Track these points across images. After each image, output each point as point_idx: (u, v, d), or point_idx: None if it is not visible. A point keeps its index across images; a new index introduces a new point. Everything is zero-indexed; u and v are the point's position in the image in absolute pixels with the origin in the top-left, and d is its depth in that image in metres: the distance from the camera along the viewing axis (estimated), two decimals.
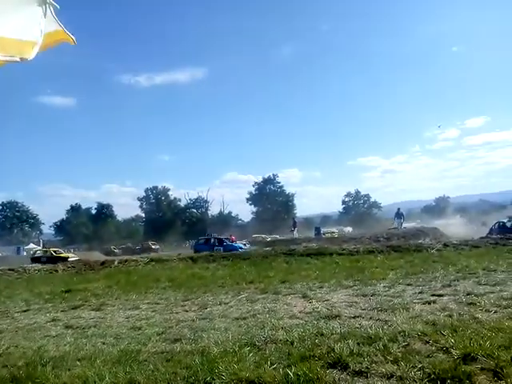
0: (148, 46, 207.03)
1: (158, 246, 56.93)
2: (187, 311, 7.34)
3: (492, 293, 6.88)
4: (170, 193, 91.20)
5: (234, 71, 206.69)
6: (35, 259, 32.15)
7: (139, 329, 6.15)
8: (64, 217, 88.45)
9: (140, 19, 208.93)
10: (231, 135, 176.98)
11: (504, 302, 6.03)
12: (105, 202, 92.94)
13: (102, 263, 19.20)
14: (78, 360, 4.67)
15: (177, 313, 7.24)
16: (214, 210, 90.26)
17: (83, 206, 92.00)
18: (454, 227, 33.08)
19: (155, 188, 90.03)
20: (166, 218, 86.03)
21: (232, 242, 31.21)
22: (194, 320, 6.48)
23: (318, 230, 39.07)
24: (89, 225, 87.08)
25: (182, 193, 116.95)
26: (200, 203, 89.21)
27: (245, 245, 30.18)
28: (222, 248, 26.65)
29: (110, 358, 4.63)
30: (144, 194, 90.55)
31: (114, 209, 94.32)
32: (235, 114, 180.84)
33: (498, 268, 9.88)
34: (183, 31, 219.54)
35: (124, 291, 10.32)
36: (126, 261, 19.38)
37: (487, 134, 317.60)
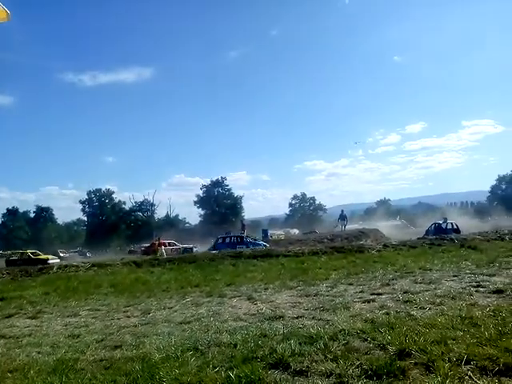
0: (93, 43, 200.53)
1: (66, 254, 50.78)
2: (129, 317, 7.15)
3: (427, 291, 7.24)
4: (114, 195, 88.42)
5: (182, 72, 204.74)
6: (10, 262, 29.86)
7: (78, 336, 5.92)
8: None
9: (84, 16, 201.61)
10: (178, 137, 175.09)
11: (438, 300, 6.37)
12: (44, 205, 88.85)
13: (40, 269, 18.28)
14: (10, 372, 4.42)
15: (118, 319, 7.03)
16: (160, 213, 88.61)
17: (21, 210, 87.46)
18: (394, 229, 34.52)
19: (98, 190, 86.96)
20: (109, 222, 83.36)
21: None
22: (136, 326, 6.33)
23: (265, 232, 39.35)
24: (27, 229, 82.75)
25: (126, 195, 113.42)
26: (146, 206, 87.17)
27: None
28: (244, 246, 25.42)
29: (45, 368, 4.42)
30: (86, 197, 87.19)
31: (54, 212, 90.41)
32: (182, 115, 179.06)
33: (433, 267, 10.42)
34: (130, 30, 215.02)
35: (63, 298, 9.88)
36: (65, 266, 18.57)
37: (425, 140, 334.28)
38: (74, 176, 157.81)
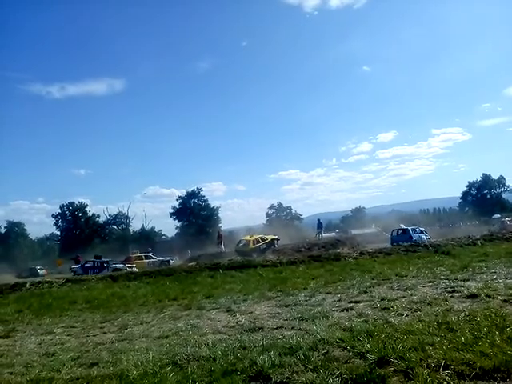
0: (61, 54, 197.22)
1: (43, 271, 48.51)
2: (106, 333, 6.99)
3: (404, 297, 7.35)
4: (87, 209, 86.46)
5: (153, 83, 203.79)
6: None
7: (52, 355, 5.74)
8: None
9: (51, 25, 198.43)
10: (152, 148, 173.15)
11: (414, 306, 6.47)
12: (15, 220, 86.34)
13: (13, 286, 17.72)
14: None
15: (94, 335, 6.87)
16: (135, 226, 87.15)
17: None
18: (370, 236, 35.00)
19: (71, 204, 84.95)
20: (83, 236, 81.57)
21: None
22: (112, 342, 6.19)
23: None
24: None
25: (100, 208, 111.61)
26: (120, 219, 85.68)
27: None
28: None
29: None
30: (59, 211, 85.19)
31: (26, 227, 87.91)
32: (156, 127, 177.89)
33: (409, 274, 10.58)
34: (100, 41, 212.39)
35: (36, 315, 9.59)
36: (39, 282, 18.06)
37: (397, 148, 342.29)
38: (45, 190, 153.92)
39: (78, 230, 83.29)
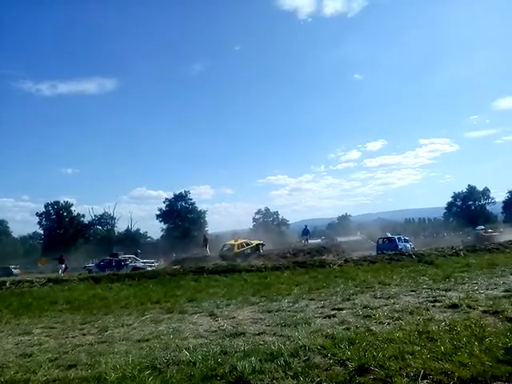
0: (53, 52, 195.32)
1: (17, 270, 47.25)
2: (85, 335, 6.90)
3: (386, 305, 7.38)
4: (72, 208, 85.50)
5: (145, 84, 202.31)
6: None
7: (29, 356, 5.63)
8: None
9: (44, 23, 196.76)
10: (140, 149, 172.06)
11: (396, 314, 6.51)
12: None
13: None
14: None
15: (73, 337, 6.77)
16: (121, 227, 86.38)
17: None
18: (355, 244, 35.22)
19: (56, 203, 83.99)
20: (67, 236, 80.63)
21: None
22: (92, 344, 6.10)
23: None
24: None
25: (86, 208, 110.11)
26: (106, 219, 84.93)
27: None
28: None
29: None
30: (44, 210, 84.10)
31: (8, 225, 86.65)
32: (145, 128, 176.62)
33: (392, 282, 10.64)
34: (93, 39, 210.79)
35: (15, 315, 9.43)
36: (19, 282, 17.79)
37: (384, 157, 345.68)
38: (30, 188, 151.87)
39: (62, 229, 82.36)
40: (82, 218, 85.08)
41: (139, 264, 27.63)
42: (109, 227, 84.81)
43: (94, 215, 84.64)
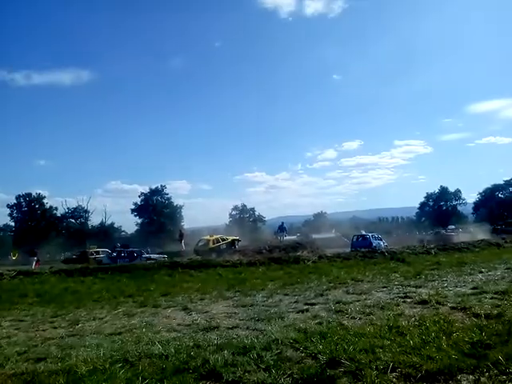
0: (27, 41, 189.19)
1: None
2: (56, 328, 6.80)
3: (358, 301, 7.51)
4: (45, 200, 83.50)
5: (122, 78, 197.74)
6: None
7: None
8: None
9: (20, 12, 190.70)
10: (116, 143, 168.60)
11: (367, 310, 6.63)
12: None
13: None
14: None
15: (44, 330, 6.67)
16: (94, 221, 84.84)
17: None
18: (329, 241, 35.58)
19: (28, 195, 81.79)
20: (39, 228, 78.77)
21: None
22: (62, 337, 6.03)
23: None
24: None
25: (59, 201, 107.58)
26: (79, 213, 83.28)
27: None
28: None
29: None
30: (15, 201, 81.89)
31: None
32: (121, 121, 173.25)
33: (365, 278, 10.83)
34: (69, 29, 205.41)
35: None
36: None
37: (360, 157, 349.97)
38: (2, 179, 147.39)
39: (34, 221, 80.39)
40: (55, 211, 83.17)
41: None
42: (82, 220, 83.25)
43: (67, 208, 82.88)
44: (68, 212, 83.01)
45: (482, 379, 3.47)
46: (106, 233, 78.18)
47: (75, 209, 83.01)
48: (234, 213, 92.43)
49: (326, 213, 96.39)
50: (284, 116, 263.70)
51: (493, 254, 18.56)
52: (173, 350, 4.75)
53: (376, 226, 68.74)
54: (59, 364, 4.57)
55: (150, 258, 25.95)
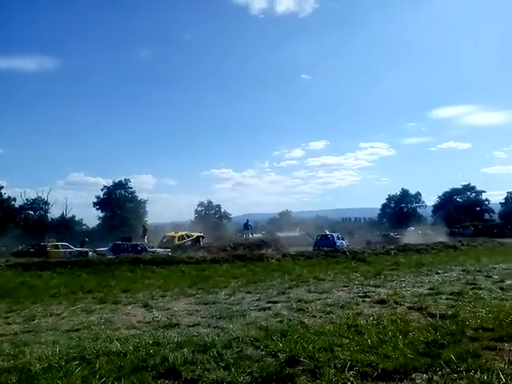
0: None
1: None
2: (10, 324, 6.57)
3: (319, 300, 7.64)
4: (2, 191, 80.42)
5: (88, 65, 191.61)
6: None
7: None
8: None
9: None
10: (79, 133, 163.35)
11: (328, 308, 6.75)
12: None
13: None
14: None
15: None
16: (55, 213, 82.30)
17: None
18: (294, 239, 35.95)
19: None
20: None
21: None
22: (16, 334, 5.82)
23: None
24: None
25: (17, 192, 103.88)
26: (39, 204, 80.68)
27: None
28: None
29: None
30: None
31: None
32: (85, 111, 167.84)
33: (327, 277, 11.02)
34: (34, 13, 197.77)
35: None
36: None
37: (326, 157, 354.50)
38: None
39: None
40: (13, 202, 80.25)
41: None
42: (42, 213, 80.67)
43: (26, 199, 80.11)
44: (27, 203, 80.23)
45: (435, 378, 3.58)
46: (67, 226, 75.95)
47: (34, 200, 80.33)
48: (199, 209, 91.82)
49: (291, 211, 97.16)
50: (253, 113, 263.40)
51: (450, 255, 19.30)
52: (131, 347, 4.67)
53: (340, 226, 69.96)
54: (12, 362, 4.41)
55: (154, 252, 25.30)
